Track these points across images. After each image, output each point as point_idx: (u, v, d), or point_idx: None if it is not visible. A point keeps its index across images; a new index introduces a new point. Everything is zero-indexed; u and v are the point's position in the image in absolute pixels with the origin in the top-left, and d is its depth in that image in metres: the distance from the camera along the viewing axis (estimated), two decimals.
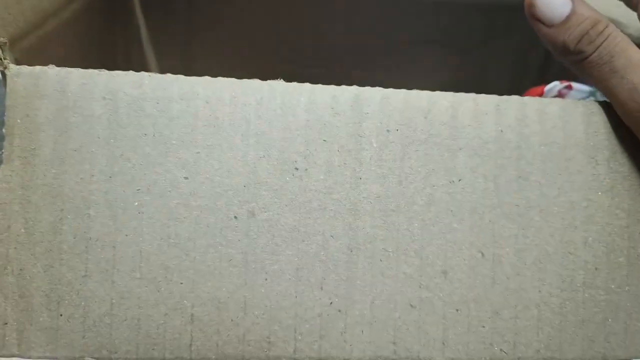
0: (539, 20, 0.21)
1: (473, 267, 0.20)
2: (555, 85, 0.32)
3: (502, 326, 0.20)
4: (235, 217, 0.19)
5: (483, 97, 0.21)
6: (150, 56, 0.33)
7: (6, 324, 0.18)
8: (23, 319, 0.18)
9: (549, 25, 0.21)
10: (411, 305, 0.20)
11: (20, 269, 0.19)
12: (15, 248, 0.19)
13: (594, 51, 0.21)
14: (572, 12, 0.21)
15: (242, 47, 0.30)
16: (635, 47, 0.20)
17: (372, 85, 0.21)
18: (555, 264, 0.20)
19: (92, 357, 0.19)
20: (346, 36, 0.27)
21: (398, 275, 0.20)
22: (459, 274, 0.20)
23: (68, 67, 0.19)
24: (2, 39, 0.19)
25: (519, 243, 0.20)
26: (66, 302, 0.19)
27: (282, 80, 0.20)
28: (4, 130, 0.19)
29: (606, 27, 0.21)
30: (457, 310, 0.20)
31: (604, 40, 0.20)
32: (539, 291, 0.20)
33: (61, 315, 0.18)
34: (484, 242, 0.20)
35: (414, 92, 0.20)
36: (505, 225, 0.20)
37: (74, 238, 0.19)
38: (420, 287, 0.20)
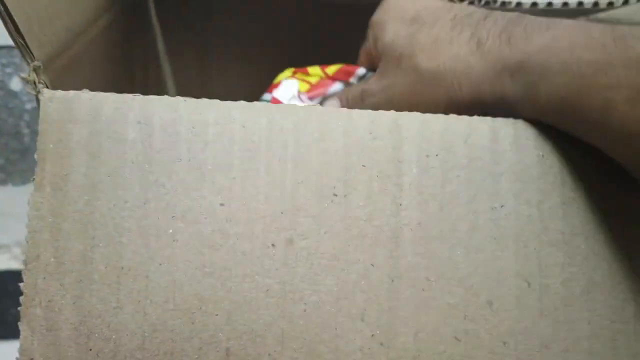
0: None
1: (519, 298, 0.19)
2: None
3: None
4: (273, 245, 0.18)
5: (521, 123, 0.20)
6: (167, 70, 0.33)
7: (32, 359, 0.17)
8: (50, 354, 0.18)
9: None
10: (456, 338, 0.19)
11: (49, 301, 0.18)
12: (44, 278, 0.18)
13: None
14: None
15: (256, 60, 0.30)
16: None
17: None
18: (604, 294, 0.19)
19: None
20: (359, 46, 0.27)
21: (442, 305, 0.19)
22: (505, 304, 0.19)
23: (94, 84, 0.19)
24: (37, 62, 0.18)
25: (566, 272, 0.19)
26: (96, 335, 0.18)
27: (319, 104, 0.20)
28: (36, 155, 0.18)
29: None
30: (504, 343, 0.19)
31: None
32: (589, 323, 0.19)
33: (90, 349, 0.18)
34: (530, 271, 0.19)
35: (453, 116, 0.20)
36: (551, 253, 0.19)
37: (106, 267, 0.18)
38: (465, 318, 0.19)
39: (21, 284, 0.18)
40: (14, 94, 0.43)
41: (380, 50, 0.25)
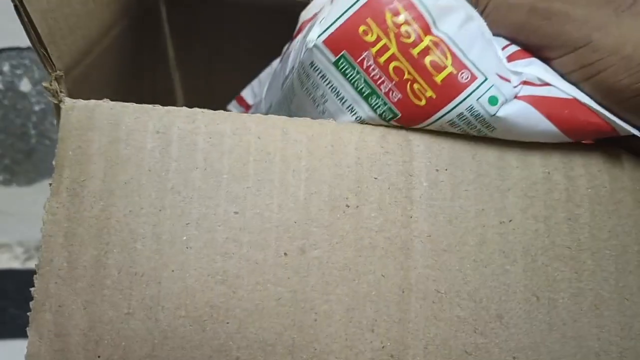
0: None
1: (529, 312, 0.19)
2: None
3: None
4: (285, 254, 0.18)
5: (527, 142, 0.21)
6: (175, 76, 0.34)
7: None
8: None
9: None
10: (466, 352, 0.19)
11: (59, 306, 0.18)
12: (55, 283, 0.18)
13: None
14: None
15: (263, 67, 0.31)
16: None
17: None
18: (612, 310, 0.20)
19: None
20: None
21: (452, 318, 0.19)
22: (515, 318, 0.19)
23: (105, 92, 0.19)
24: (59, 72, 0.19)
25: (573, 287, 0.20)
26: (105, 342, 0.17)
27: (332, 120, 0.20)
28: (54, 162, 0.19)
29: None
30: (514, 358, 0.19)
31: None
32: (598, 339, 0.19)
33: (99, 356, 0.17)
34: (539, 285, 0.19)
35: (460, 135, 0.21)
36: (558, 268, 0.20)
37: (119, 273, 0.18)
38: (475, 331, 0.19)
39: (32, 289, 0.18)
40: (22, 95, 0.43)
41: None
